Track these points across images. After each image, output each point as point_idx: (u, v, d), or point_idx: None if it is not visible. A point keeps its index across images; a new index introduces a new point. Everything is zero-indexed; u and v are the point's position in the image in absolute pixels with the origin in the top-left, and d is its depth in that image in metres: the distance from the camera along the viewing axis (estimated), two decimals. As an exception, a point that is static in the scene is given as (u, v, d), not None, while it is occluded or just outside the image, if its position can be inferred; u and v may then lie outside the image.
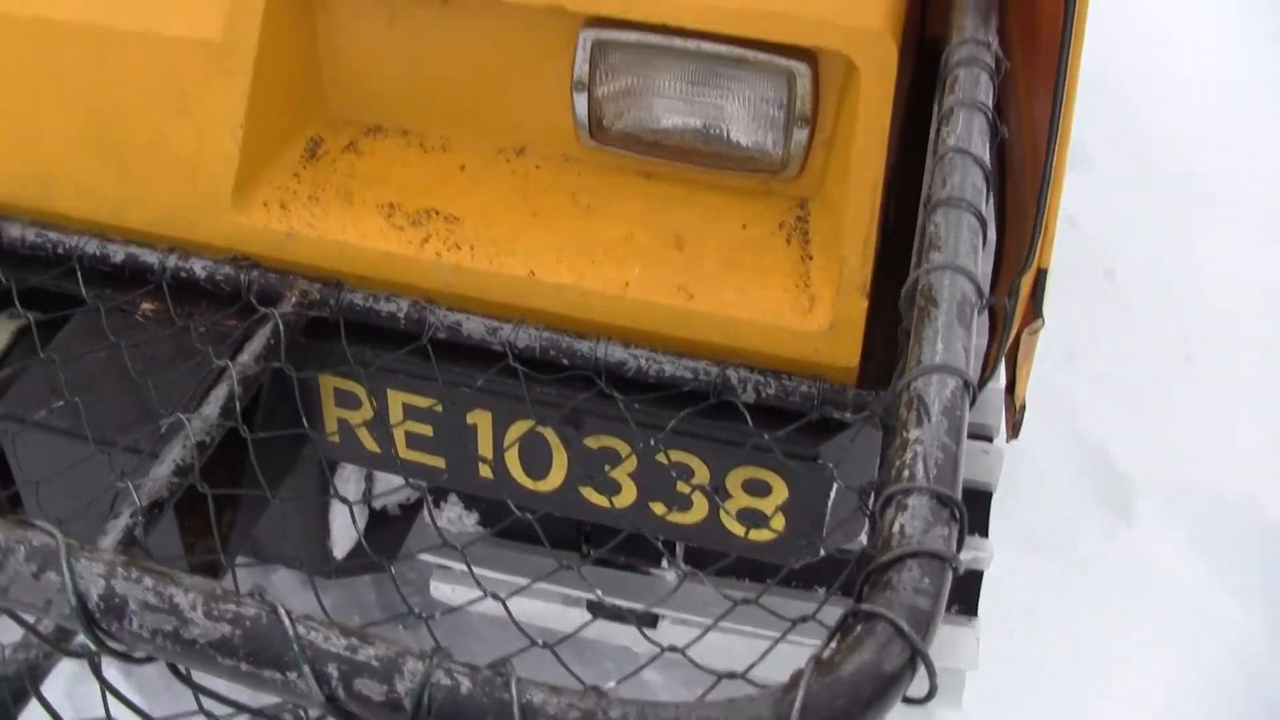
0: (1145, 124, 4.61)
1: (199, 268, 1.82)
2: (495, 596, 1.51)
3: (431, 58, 1.84)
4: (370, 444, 1.88)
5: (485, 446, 1.83)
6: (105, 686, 1.12)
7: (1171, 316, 3.89)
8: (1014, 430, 2.04)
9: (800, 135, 1.72)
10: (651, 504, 1.78)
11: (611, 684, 1.05)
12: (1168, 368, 3.74)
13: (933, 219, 1.21)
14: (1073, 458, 3.44)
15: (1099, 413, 3.55)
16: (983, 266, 1.23)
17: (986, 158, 1.29)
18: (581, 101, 1.76)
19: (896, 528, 0.95)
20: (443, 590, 2.32)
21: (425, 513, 2.33)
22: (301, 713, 1.19)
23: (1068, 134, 1.52)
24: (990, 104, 1.35)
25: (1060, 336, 3.49)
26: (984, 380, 1.92)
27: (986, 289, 1.21)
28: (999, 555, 2.20)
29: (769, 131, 1.74)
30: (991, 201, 1.30)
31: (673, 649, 1.37)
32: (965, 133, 1.30)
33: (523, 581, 2.11)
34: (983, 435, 2.25)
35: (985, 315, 1.89)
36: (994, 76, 1.38)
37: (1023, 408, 1.96)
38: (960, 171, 1.25)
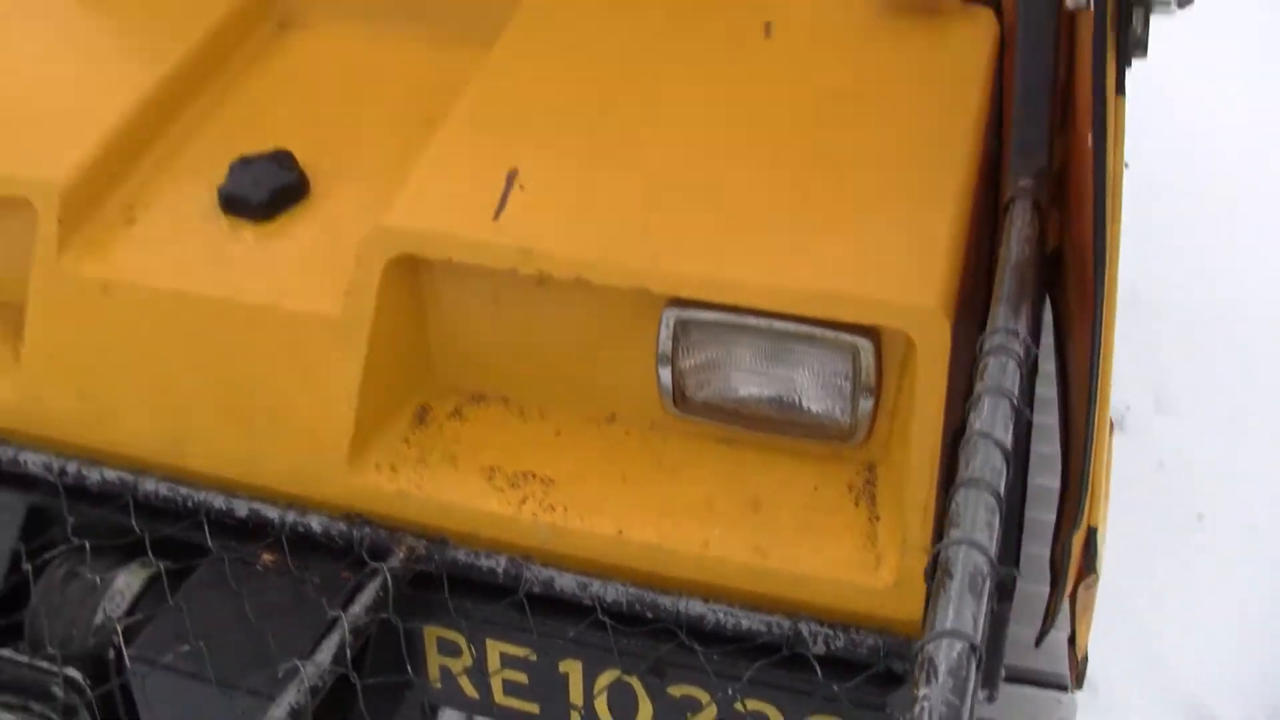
0: (1232, 366, 4.72)
1: (315, 523, 2.02)
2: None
3: (530, 332, 2.06)
4: (470, 690, 2.05)
5: (576, 694, 1.98)
6: None
7: (1264, 561, 3.94)
8: (1078, 680, 2.14)
9: (865, 405, 1.90)
10: (731, 750, 1.92)
11: None
12: (1261, 611, 3.78)
13: (954, 498, 1.38)
14: (1163, 702, 3.48)
15: (1191, 656, 3.60)
16: (999, 536, 1.39)
17: (1008, 441, 1.46)
18: (666, 374, 1.97)
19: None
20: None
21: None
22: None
23: (1106, 395, 1.68)
24: (1016, 389, 1.52)
25: (1149, 579, 3.57)
26: (1045, 630, 2.05)
27: (1008, 555, 1.37)
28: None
29: (837, 401, 1.92)
30: (1008, 477, 1.45)
31: None
32: (990, 418, 1.47)
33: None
34: (1056, 684, 2.35)
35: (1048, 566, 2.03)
36: (1021, 364, 1.56)
37: (1084, 658, 2.07)
38: (982, 454, 1.42)
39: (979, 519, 1.35)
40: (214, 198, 2.24)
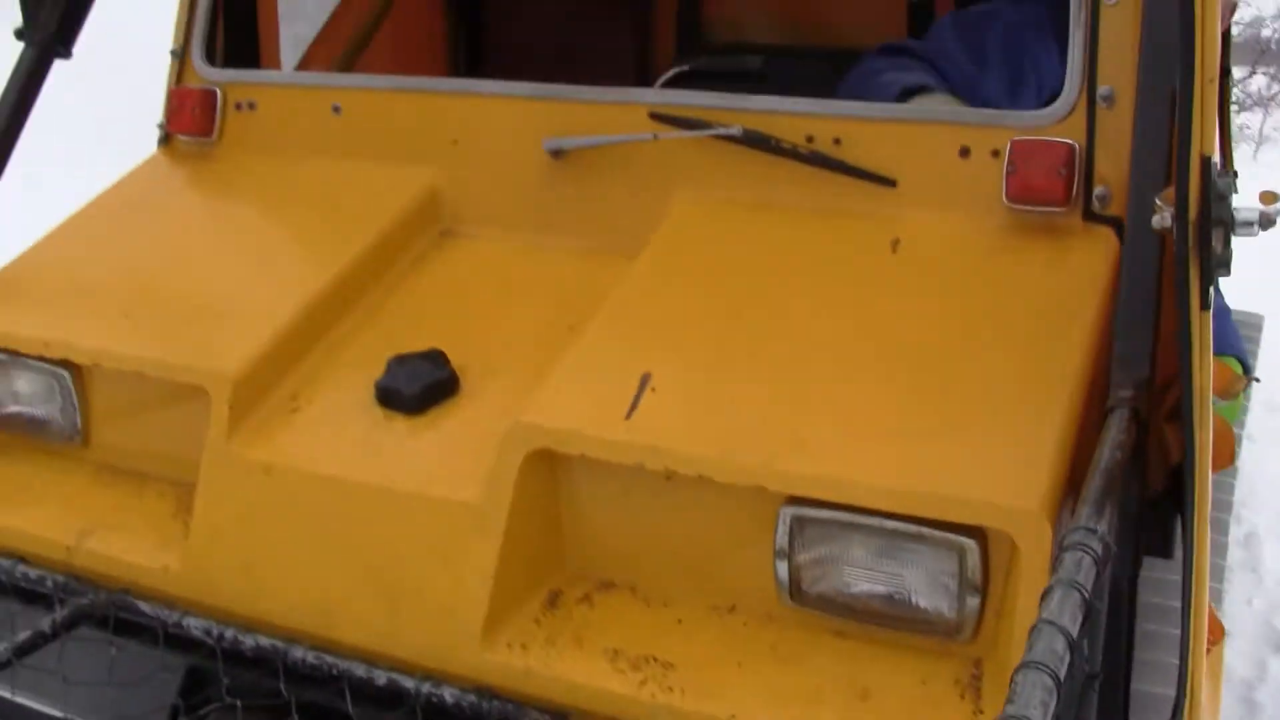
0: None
1: (448, 695, 2.18)
2: None
3: (656, 526, 2.23)
4: None
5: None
6: None
7: None
8: None
9: (972, 603, 2.02)
10: None
11: None
12: None
13: (1014, 678, 1.49)
14: None
15: None
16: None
17: (1074, 629, 1.57)
18: (783, 568, 2.12)
19: None
20: None
21: None
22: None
23: (1201, 613, 1.78)
24: (1088, 584, 1.64)
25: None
26: None
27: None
28: None
29: (945, 599, 2.05)
30: (1073, 662, 1.56)
31: None
32: (1058, 607, 1.59)
33: None
34: None
35: None
36: (1098, 560, 1.67)
37: None
38: (1045, 640, 1.53)
39: (1033, 698, 1.46)
40: (371, 391, 2.47)
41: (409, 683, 2.21)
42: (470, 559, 2.21)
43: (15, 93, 3.08)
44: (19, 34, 3.11)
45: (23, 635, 2.31)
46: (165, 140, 3.31)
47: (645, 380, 2.25)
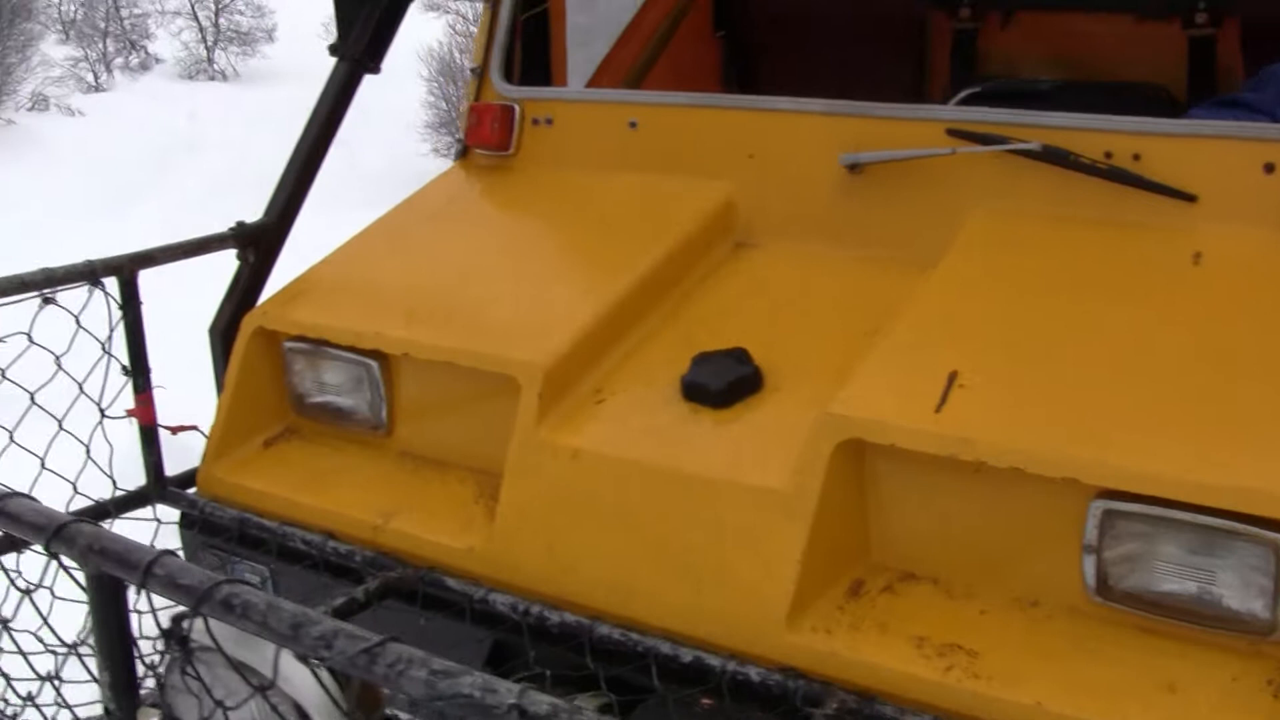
0: None
1: (754, 674, 2.36)
2: None
3: (963, 518, 2.40)
4: None
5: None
6: None
7: None
8: None
9: None
10: None
11: None
12: None
13: None
14: None
15: None
16: None
17: None
18: (1090, 563, 2.26)
19: None
20: None
21: None
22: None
23: None
24: None
25: None
26: None
27: None
28: None
29: (1258, 598, 2.16)
30: None
31: None
32: None
33: None
34: None
35: None
36: None
37: None
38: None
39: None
40: (675, 386, 2.70)
41: (714, 660, 2.40)
42: (778, 544, 2.41)
43: (328, 104, 3.44)
44: (333, 50, 3.47)
45: (338, 600, 2.57)
46: (463, 153, 3.63)
47: (953, 377, 2.42)
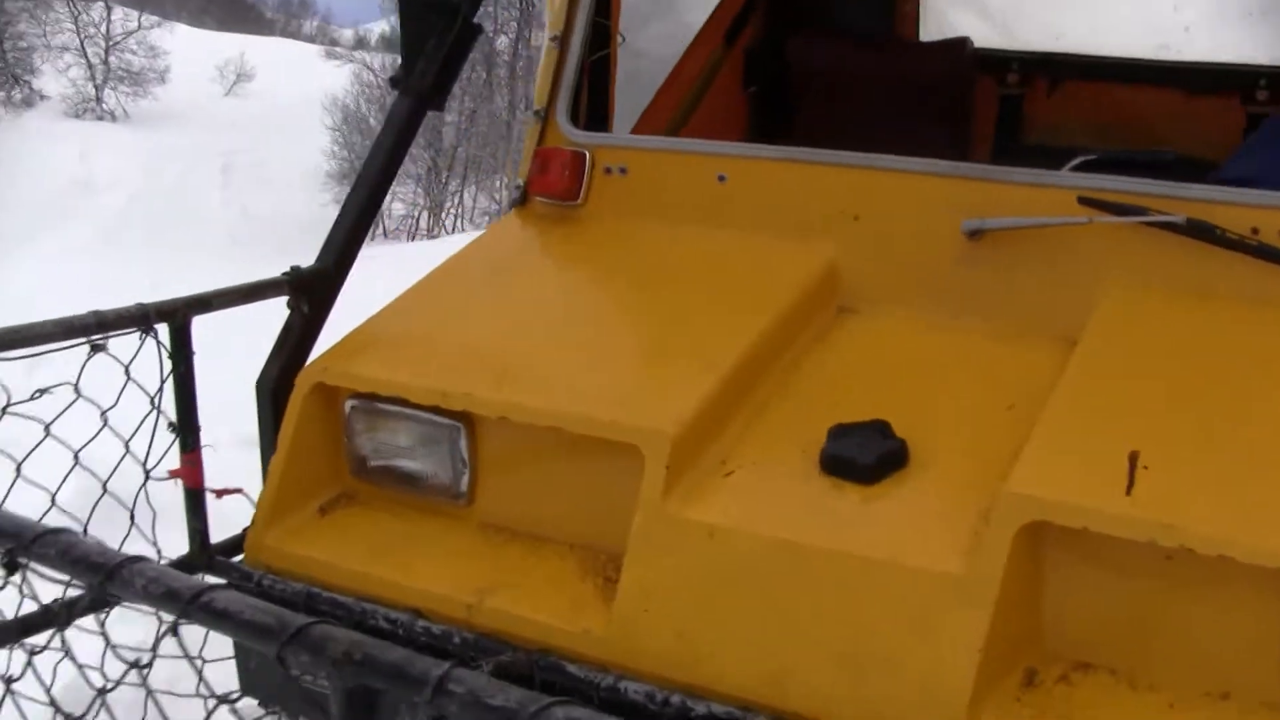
0: None
1: None
2: None
3: (1148, 605, 2.26)
4: None
5: None
6: None
7: None
8: None
9: None
10: None
11: None
12: None
13: None
14: None
15: None
16: None
17: None
18: None
19: None
20: None
21: None
22: None
23: None
24: None
25: None
26: None
27: None
28: None
29: None
30: None
31: None
32: None
33: None
34: None
35: None
36: None
37: None
38: None
39: None
40: (809, 459, 2.54)
41: None
42: (955, 631, 2.25)
43: (390, 140, 3.24)
44: (394, 82, 3.27)
45: None
46: (521, 201, 3.44)
47: (1134, 458, 2.30)
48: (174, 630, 1.54)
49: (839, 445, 2.53)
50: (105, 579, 1.50)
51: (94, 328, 2.69)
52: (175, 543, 2.95)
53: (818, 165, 3.13)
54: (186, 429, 2.89)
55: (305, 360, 3.11)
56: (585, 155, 3.34)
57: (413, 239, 23.71)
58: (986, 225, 2.87)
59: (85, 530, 2.72)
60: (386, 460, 2.94)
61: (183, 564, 2.92)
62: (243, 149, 19.59)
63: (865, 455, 2.50)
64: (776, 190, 3.15)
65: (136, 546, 2.82)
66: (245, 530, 3.00)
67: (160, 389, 2.82)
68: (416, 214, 27.66)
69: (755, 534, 2.44)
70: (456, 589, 2.69)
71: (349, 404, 2.93)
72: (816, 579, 2.37)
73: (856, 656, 2.32)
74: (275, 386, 3.07)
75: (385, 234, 28.85)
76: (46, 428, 2.60)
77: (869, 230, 3.02)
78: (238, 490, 3.04)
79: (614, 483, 2.64)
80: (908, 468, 2.52)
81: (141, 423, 2.78)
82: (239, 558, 2.99)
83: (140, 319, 2.76)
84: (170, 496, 2.92)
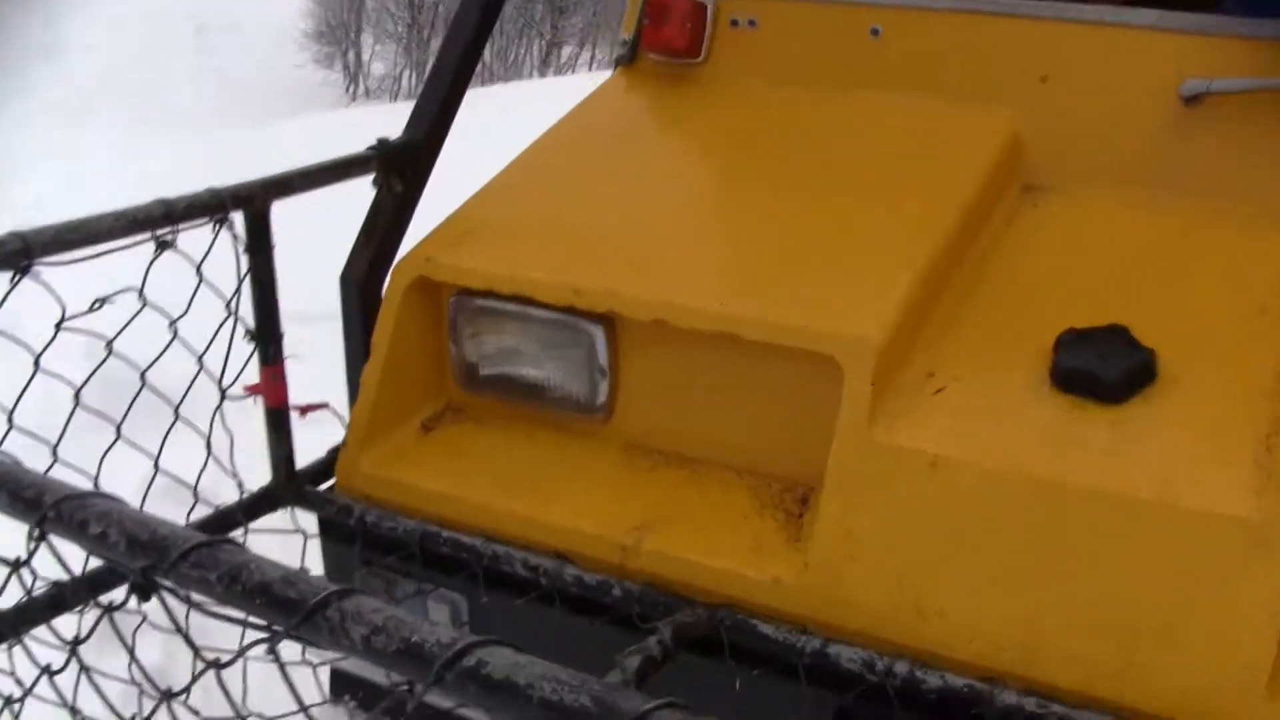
0: None
1: None
2: None
3: None
4: None
5: None
6: None
7: None
8: None
9: None
10: None
11: None
12: None
13: None
14: None
15: None
16: None
17: None
18: None
19: None
20: None
21: None
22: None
23: None
24: None
25: None
26: None
27: None
28: None
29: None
30: None
31: None
32: None
33: None
34: None
35: None
36: None
37: None
38: None
39: None
40: (1033, 371, 2.12)
41: None
42: (1249, 590, 1.85)
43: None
44: None
45: (631, 657, 1.92)
46: (630, 58, 2.94)
47: None
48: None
49: (1075, 356, 2.10)
50: (302, 621, 1.06)
51: (160, 220, 2.21)
52: (258, 472, 2.51)
53: (996, 17, 2.64)
54: (267, 337, 2.42)
55: (397, 249, 2.64)
56: (707, 3, 2.85)
57: (394, 100, 22.90)
58: (1213, 88, 2.41)
59: (156, 466, 2.28)
60: (503, 368, 2.49)
61: (266, 496, 2.48)
62: (214, 9, 18.62)
63: (1110, 369, 2.07)
64: (944, 47, 2.66)
65: (212, 478, 2.39)
66: (333, 452, 2.56)
67: (238, 291, 2.35)
68: (398, 73, 27.08)
69: (990, 468, 2.02)
70: (606, 526, 2.27)
71: (456, 302, 2.47)
72: (1070, 524, 1.96)
73: (1125, 620, 1.92)
74: (364, 281, 2.61)
75: (367, 94, 28.17)
76: (108, 345, 2.15)
77: (1060, 94, 2.55)
78: (324, 405, 2.59)
79: (795, 399, 2.24)
80: (1155, 383, 2.09)
81: (216, 333, 2.31)
82: (329, 483, 2.56)
83: (215, 207, 2.28)
84: (246, 417, 2.46)
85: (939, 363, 2.19)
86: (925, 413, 2.11)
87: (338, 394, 2.62)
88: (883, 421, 2.09)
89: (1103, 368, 2.07)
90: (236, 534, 2.37)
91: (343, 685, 2.50)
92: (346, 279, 2.63)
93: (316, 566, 2.52)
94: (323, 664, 2.20)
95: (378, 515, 2.38)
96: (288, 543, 2.43)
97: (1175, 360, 2.11)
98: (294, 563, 2.61)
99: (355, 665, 2.51)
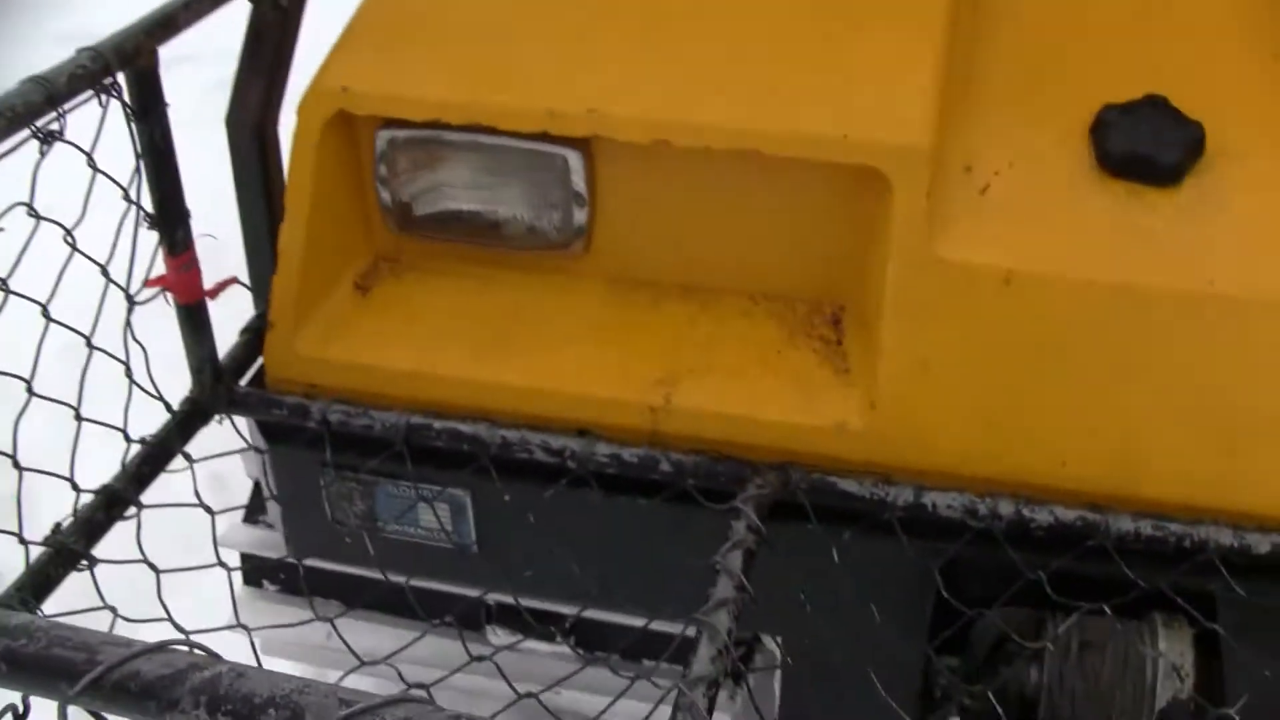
0: None
1: None
2: None
3: None
4: None
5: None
6: None
7: None
8: None
9: None
10: None
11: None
12: None
13: None
14: None
15: None
16: None
17: None
18: None
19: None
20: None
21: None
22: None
23: None
24: None
25: None
26: None
27: None
28: None
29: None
30: None
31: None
32: None
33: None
34: None
35: None
36: None
37: None
38: None
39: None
40: (1075, 154, 1.96)
41: None
42: None
43: None
44: None
45: (734, 549, 1.71)
46: None
47: None
48: None
49: (1125, 136, 1.93)
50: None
51: (43, 106, 1.72)
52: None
53: None
54: (172, 221, 1.98)
55: (287, 79, 2.20)
56: None
57: None
58: None
59: (78, 416, 1.85)
60: (446, 204, 2.13)
61: (196, 409, 2.09)
62: None
63: (1167, 151, 1.92)
64: None
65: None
66: (248, 335, 2.18)
67: (137, 171, 1.90)
68: None
69: (1069, 277, 1.86)
70: (625, 385, 2.01)
71: (387, 135, 2.08)
72: (1158, 330, 1.85)
73: (1225, 422, 1.85)
74: (260, 122, 2.17)
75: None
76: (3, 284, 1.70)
77: None
78: (232, 280, 2.16)
79: (820, 211, 2.02)
80: (1205, 158, 1.96)
81: (119, 231, 1.88)
82: (252, 370, 2.18)
83: (99, 72, 1.78)
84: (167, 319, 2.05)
85: (972, 153, 1.99)
86: (979, 218, 1.92)
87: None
88: (939, 234, 1.89)
89: (1158, 149, 1.92)
90: (179, 464, 2.00)
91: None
92: (236, 121, 2.18)
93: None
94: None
95: (345, 411, 2.05)
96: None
97: (1217, 129, 1.97)
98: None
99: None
